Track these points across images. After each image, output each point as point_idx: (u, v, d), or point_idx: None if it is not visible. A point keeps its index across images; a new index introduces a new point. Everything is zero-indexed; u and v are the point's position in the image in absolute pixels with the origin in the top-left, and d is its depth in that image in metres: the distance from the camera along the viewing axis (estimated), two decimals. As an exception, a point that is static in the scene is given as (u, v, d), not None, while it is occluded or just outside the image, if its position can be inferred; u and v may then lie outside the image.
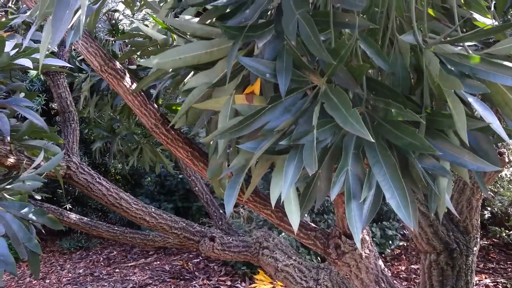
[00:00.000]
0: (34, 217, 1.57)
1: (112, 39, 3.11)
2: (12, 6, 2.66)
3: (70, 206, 5.13)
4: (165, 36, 1.42)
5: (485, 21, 1.25)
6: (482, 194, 2.49)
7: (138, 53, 2.13)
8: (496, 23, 1.19)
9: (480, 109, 0.92)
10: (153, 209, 2.54)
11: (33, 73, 4.05)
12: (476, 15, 1.26)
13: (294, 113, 0.91)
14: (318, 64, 1.01)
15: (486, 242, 4.68)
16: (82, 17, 0.81)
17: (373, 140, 0.79)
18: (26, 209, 1.55)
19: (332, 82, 0.96)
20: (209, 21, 1.25)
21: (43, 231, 1.69)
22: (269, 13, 1.08)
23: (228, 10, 1.15)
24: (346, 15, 0.97)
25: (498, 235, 4.58)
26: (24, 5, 2.64)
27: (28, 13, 2.56)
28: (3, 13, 2.57)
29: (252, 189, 1.17)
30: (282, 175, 0.95)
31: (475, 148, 1.03)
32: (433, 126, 0.97)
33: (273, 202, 0.97)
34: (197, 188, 3.27)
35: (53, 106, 5.53)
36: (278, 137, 0.91)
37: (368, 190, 0.92)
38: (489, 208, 4.60)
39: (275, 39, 0.96)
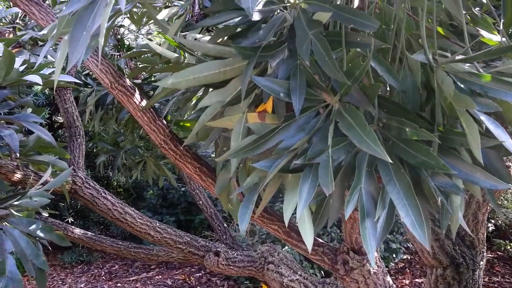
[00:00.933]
0: (41, 234, 1.57)
1: (117, 53, 3.14)
2: (20, 22, 2.69)
3: (72, 220, 5.11)
4: (177, 54, 1.43)
5: (492, 37, 1.27)
6: (488, 207, 2.49)
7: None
8: (504, 39, 1.21)
9: (492, 127, 0.93)
10: (157, 224, 2.53)
11: (37, 87, 4.08)
12: (483, 32, 1.27)
13: (308, 132, 0.92)
14: (329, 81, 1.02)
15: (490, 255, 4.65)
16: (101, 40, 0.82)
17: (390, 161, 0.80)
18: (34, 226, 1.54)
19: (345, 100, 0.97)
20: (220, 39, 1.27)
21: (49, 247, 1.68)
22: (281, 32, 1.10)
23: (239, 30, 1.17)
24: (357, 35, 0.98)
25: (502, 248, 4.55)
26: (32, 21, 2.67)
27: (41, 32, 2.59)
28: (11, 29, 2.59)
29: (263, 207, 1.17)
30: (295, 194, 0.95)
31: (487, 165, 1.03)
32: (445, 144, 0.97)
33: (286, 221, 0.97)
34: (201, 202, 3.26)
35: (57, 119, 5.55)
36: (292, 155, 0.92)
37: (382, 209, 0.92)
38: (493, 221, 4.58)
39: (288, 58, 0.97)
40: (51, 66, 1.91)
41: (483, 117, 0.94)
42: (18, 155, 1.71)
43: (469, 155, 1.01)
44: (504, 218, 4.43)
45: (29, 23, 2.73)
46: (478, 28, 1.30)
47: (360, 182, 0.94)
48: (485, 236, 2.57)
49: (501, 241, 4.51)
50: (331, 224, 1.04)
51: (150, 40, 3.97)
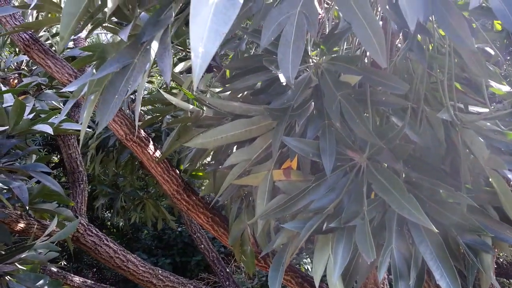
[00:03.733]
0: (49, 290, 1.50)
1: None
2: (25, 68, 2.71)
3: (65, 263, 4.94)
4: (191, 106, 1.44)
5: (501, 87, 1.31)
6: (497, 251, 2.47)
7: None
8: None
9: (519, 185, 0.93)
10: (160, 271, 2.46)
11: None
12: (492, 82, 1.31)
13: (339, 192, 0.92)
14: (355, 138, 1.03)
15: (493, 295, 4.57)
16: (137, 107, 0.82)
17: (436, 230, 0.79)
18: (41, 282, 1.48)
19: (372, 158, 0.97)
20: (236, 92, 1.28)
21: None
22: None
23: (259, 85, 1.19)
24: (382, 94, 1.00)
25: (506, 287, 4.49)
26: (37, 67, 2.68)
27: (64, 88, 2.60)
28: (16, 75, 2.60)
29: (286, 265, 1.14)
30: (325, 253, 0.94)
31: (512, 221, 1.03)
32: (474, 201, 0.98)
33: (317, 283, 0.95)
34: (202, 246, 3.19)
35: (52, 159, 5.48)
36: (324, 216, 0.91)
37: (415, 270, 0.90)
38: (495, 259, 4.54)
39: (315, 117, 0.98)
40: (58, 115, 1.91)
41: (510, 175, 0.95)
42: (27, 208, 1.66)
43: (496, 212, 1.02)
44: (506, 256, 4.40)
45: (33, 68, 2.75)
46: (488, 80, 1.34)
47: (391, 243, 0.93)
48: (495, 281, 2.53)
49: (505, 279, 4.46)
50: (360, 284, 1.02)
51: (151, 82, 4.01)
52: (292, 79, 0.72)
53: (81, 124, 1.10)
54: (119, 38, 0.95)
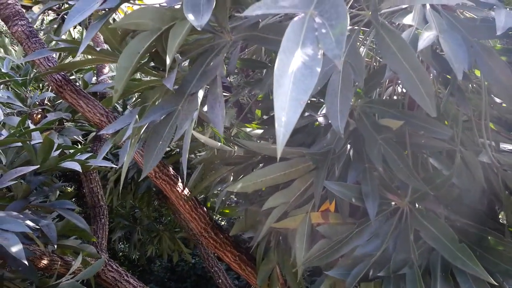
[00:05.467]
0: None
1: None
2: (48, 103, 2.76)
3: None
4: (219, 143, 1.45)
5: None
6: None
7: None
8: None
9: None
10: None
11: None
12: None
13: (383, 238, 0.91)
14: (394, 181, 1.02)
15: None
16: (186, 152, 0.83)
17: (495, 283, 0.77)
18: (68, 323, 1.46)
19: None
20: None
21: None
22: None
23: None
24: (421, 137, 1.00)
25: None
26: (60, 102, 2.74)
27: (62, 113, 2.65)
28: (40, 110, 2.66)
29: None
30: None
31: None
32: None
33: (361, 331, 0.92)
34: (220, 281, 3.13)
35: (66, 189, 5.50)
36: (370, 264, 0.89)
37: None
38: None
39: (356, 161, 0.98)
40: (84, 151, 1.93)
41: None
42: (55, 246, 1.66)
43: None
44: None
45: (56, 103, 2.81)
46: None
47: (437, 289, 0.91)
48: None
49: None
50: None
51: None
52: (341, 128, 0.73)
53: (110, 161, 1.12)
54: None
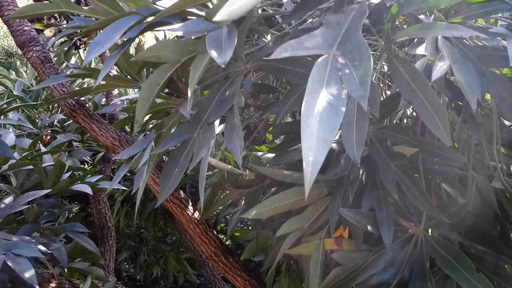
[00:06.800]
0: None
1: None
2: (57, 125, 2.80)
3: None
4: (230, 166, 1.46)
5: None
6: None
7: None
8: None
9: None
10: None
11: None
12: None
13: (399, 266, 0.90)
14: (407, 207, 1.02)
15: None
16: (203, 181, 0.84)
17: None
18: None
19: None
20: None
21: None
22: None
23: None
24: (434, 163, 1.01)
25: None
26: (70, 123, 2.77)
27: (72, 136, 2.68)
28: (49, 131, 2.69)
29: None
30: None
31: None
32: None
33: None
34: (227, 303, 3.09)
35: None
36: (386, 292, 0.89)
37: None
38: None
39: (370, 187, 0.99)
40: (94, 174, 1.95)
41: None
42: (66, 270, 1.66)
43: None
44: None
45: (65, 124, 2.84)
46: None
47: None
48: None
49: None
50: None
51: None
52: (358, 158, 0.73)
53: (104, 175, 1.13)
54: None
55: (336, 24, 0.53)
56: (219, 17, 0.39)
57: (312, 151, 0.44)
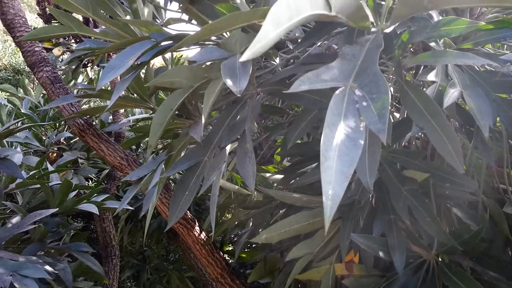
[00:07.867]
0: None
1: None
2: (64, 142, 2.81)
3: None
4: (237, 186, 1.46)
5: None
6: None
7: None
8: None
9: None
10: None
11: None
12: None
13: (411, 293, 0.89)
14: (418, 232, 1.01)
15: None
16: (214, 205, 0.84)
17: None
18: None
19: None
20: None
21: None
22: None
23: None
24: (445, 188, 1.00)
25: None
26: (76, 141, 2.78)
27: (78, 153, 2.70)
28: (55, 149, 2.70)
29: None
30: None
31: None
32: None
33: None
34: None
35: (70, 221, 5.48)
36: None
37: None
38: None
39: (380, 212, 0.98)
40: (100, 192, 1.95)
41: None
42: (71, 291, 1.64)
43: None
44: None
45: (71, 142, 2.86)
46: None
47: None
48: None
49: None
50: None
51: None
52: (371, 185, 0.73)
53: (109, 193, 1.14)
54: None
55: (351, 56, 0.54)
56: (244, 57, 0.40)
57: (332, 185, 0.44)
